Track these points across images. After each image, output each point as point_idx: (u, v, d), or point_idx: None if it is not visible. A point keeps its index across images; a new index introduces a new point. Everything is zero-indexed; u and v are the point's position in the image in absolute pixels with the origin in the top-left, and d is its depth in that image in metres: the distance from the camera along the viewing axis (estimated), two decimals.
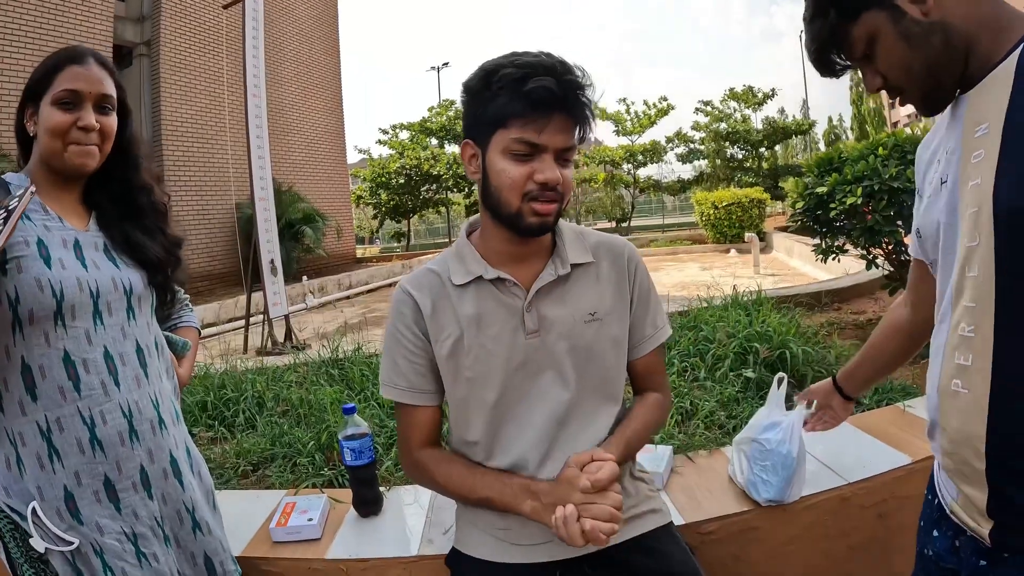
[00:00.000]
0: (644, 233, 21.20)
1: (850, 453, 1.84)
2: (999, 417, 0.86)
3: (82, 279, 1.22)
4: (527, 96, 1.08)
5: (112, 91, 1.29)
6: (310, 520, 1.59)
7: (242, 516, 1.72)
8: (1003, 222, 0.83)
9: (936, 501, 1.05)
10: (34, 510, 1.16)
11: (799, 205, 3.73)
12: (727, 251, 14.96)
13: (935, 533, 1.04)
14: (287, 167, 14.95)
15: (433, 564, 1.43)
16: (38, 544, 1.16)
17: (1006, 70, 0.85)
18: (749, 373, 2.68)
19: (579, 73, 1.13)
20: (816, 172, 3.71)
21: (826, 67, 1.03)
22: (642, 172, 24.34)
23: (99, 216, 1.34)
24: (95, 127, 1.24)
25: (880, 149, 3.47)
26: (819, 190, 3.51)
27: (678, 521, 1.56)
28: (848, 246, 3.79)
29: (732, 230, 15.86)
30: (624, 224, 23.79)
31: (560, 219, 1.26)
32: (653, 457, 1.81)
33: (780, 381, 1.67)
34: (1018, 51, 0.85)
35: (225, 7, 7.55)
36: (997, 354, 0.85)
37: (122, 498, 1.23)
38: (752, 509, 1.61)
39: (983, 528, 0.91)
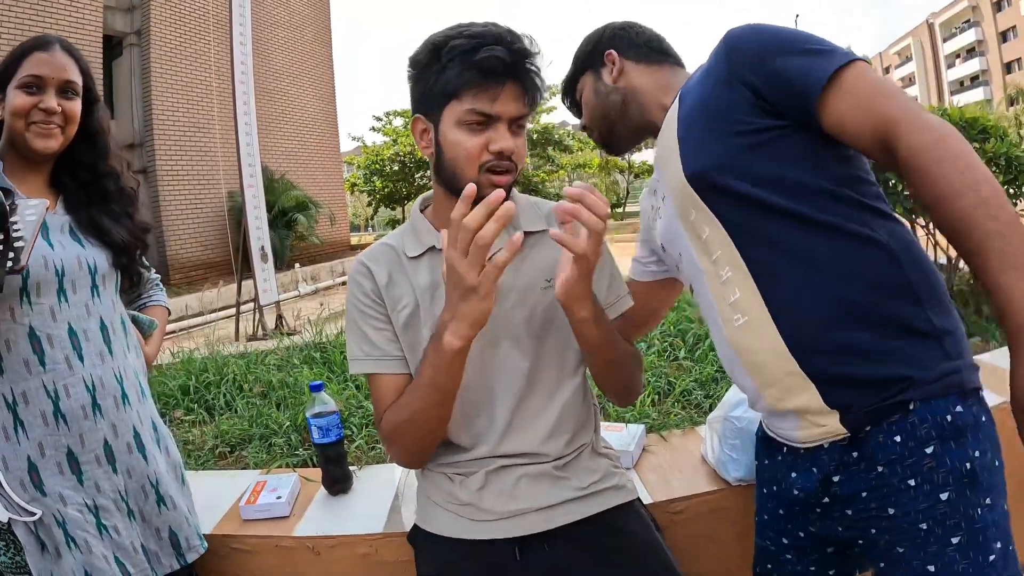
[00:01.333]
0: (639, 219, 21.20)
1: None
2: (783, 316, 1.03)
3: (48, 257, 1.24)
4: (478, 66, 1.07)
5: (76, 77, 1.31)
6: (279, 498, 1.60)
7: (216, 495, 1.72)
8: (697, 187, 1.07)
9: (779, 458, 1.18)
10: None
11: None
12: None
13: (793, 475, 1.14)
14: (280, 155, 14.91)
15: (398, 541, 1.44)
16: (1, 515, 1.17)
17: (674, 108, 1.17)
18: None
19: (528, 41, 1.12)
20: None
21: (570, 106, 1.41)
22: (636, 157, 24.32)
23: (66, 199, 1.35)
24: (56, 110, 1.27)
25: None
26: None
27: (647, 499, 1.55)
28: None
29: None
30: (619, 209, 23.79)
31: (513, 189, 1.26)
32: (623, 435, 1.80)
33: None
34: (677, 97, 1.17)
35: None
36: (755, 275, 1.05)
37: (84, 470, 1.25)
38: (722, 488, 1.60)
39: (834, 423, 1.02)
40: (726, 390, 2.32)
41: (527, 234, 1.23)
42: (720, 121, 1.06)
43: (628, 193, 24.77)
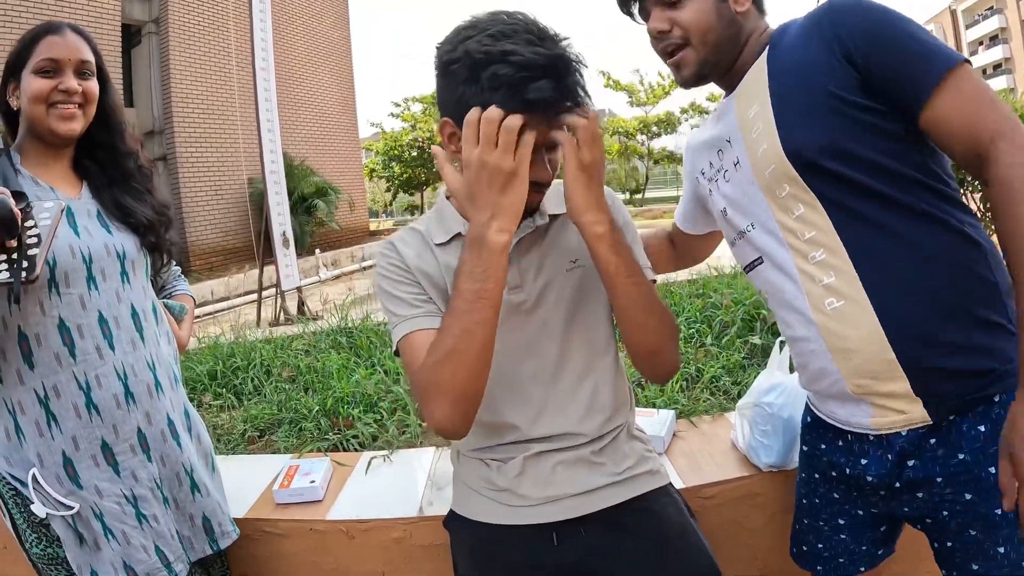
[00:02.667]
0: (659, 204, 21.03)
1: None
2: (884, 304, 1.02)
3: (74, 246, 1.23)
4: (526, 102, 1.01)
5: (90, 57, 1.31)
6: (312, 482, 1.61)
7: (247, 480, 1.74)
8: (797, 164, 1.04)
9: (840, 444, 1.18)
10: (34, 477, 1.19)
11: None
12: None
13: (864, 462, 1.14)
14: (299, 141, 14.95)
15: (433, 525, 1.45)
16: (39, 510, 1.19)
17: (759, 67, 1.13)
18: (756, 339, 2.66)
19: (580, 70, 1.05)
20: None
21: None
22: (656, 143, 24.15)
23: (90, 183, 1.35)
24: (77, 89, 1.26)
25: None
26: None
27: (678, 485, 1.55)
28: None
29: None
30: (638, 196, 23.65)
31: None
32: (655, 421, 1.80)
33: (783, 344, 1.63)
34: (765, 52, 1.13)
35: None
36: (856, 260, 1.03)
37: (120, 461, 1.26)
38: (753, 474, 1.60)
39: (919, 411, 1.04)
40: (754, 377, 2.31)
41: (552, 217, 1.22)
42: (820, 95, 1.03)
43: (648, 179, 24.59)
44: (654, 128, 23.21)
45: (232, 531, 1.42)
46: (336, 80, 17.32)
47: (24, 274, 1.05)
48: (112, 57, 11.18)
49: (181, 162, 12.64)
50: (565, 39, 1.06)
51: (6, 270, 1.05)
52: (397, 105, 24.55)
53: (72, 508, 1.20)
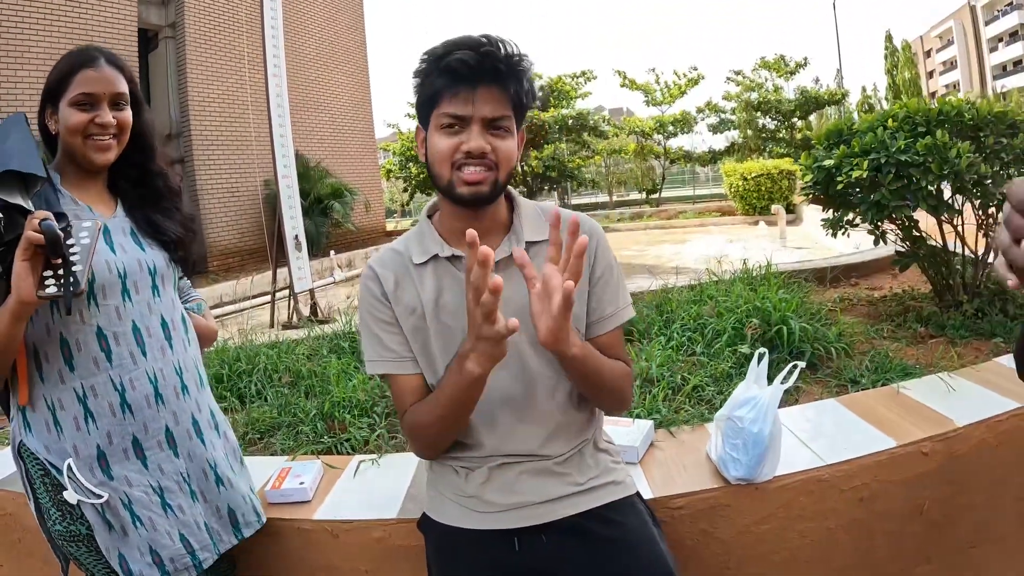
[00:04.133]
0: (674, 204, 20.96)
1: (832, 434, 1.84)
2: None
3: (111, 262, 1.35)
4: (447, 69, 1.14)
5: (124, 88, 1.40)
6: (301, 483, 1.71)
7: None
8: None
9: None
10: (69, 467, 1.30)
11: (807, 178, 3.69)
12: (756, 223, 14.78)
13: None
14: (315, 143, 15.10)
15: (409, 527, 1.53)
16: (71, 497, 1.30)
17: None
18: (744, 349, 2.71)
19: (501, 46, 1.16)
20: (825, 144, 3.66)
21: None
22: (672, 143, 24.06)
23: (124, 202, 1.46)
24: (112, 123, 1.36)
25: (890, 121, 3.39)
26: (826, 163, 3.46)
27: (648, 494, 1.59)
28: (858, 220, 3.73)
29: (761, 202, 15.66)
30: (654, 196, 23.57)
31: (517, 196, 1.33)
32: (631, 431, 1.84)
33: (760, 357, 1.67)
34: None
35: None
36: None
37: (148, 455, 1.37)
38: (722, 487, 1.63)
39: None
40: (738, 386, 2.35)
41: (529, 244, 1.28)
42: None
43: (664, 179, 24.51)
44: (670, 127, 23.12)
45: (255, 521, 1.54)
46: (352, 82, 17.45)
47: (72, 287, 1.17)
48: (130, 62, 11.35)
49: (198, 164, 12.82)
50: (512, 42, 1.18)
51: (54, 284, 1.17)
52: (413, 105, 24.62)
53: (101, 497, 1.31)
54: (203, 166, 12.92)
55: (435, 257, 1.28)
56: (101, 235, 1.33)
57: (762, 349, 1.70)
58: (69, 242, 1.20)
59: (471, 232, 0.98)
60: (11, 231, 1.19)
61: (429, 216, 1.35)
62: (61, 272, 1.17)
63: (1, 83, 9.21)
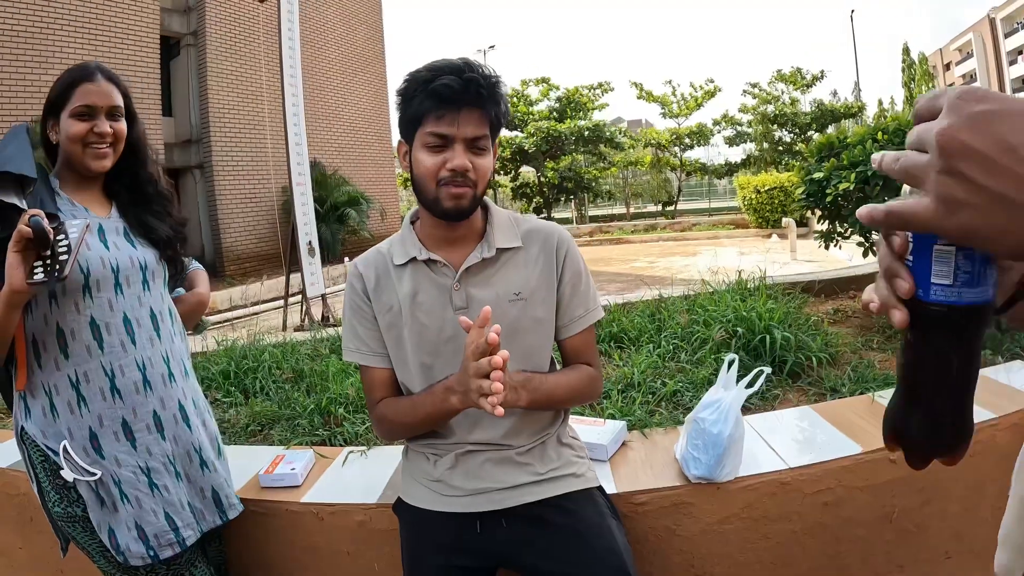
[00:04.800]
0: (690, 216, 20.98)
1: (800, 438, 1.89)
2: None
3: (105, 258, 1.49)
4: (433, 93, 1.26)
5: (120, 101, 1.55)
6: (292, 469, 1.84)
7: (243, 466, 1.97)
8: None
9: None
10: (65, 447, 1.44)
11: (799, 192, 3.78)
12: (768, 236, 14.80)
13: None
14: (332, 151, 15.32)
15: (389, 512, 1.64)
16: (67, 475, 1.43)
17: None
18: (731, 356, 2.78)
19: (481, 72, 1.29)
20: (816, 157, 3.74)
21: None
22: (689, 155, 24.11)
23: (118, 204, 1.61)
24: (109, 132, 1.51)
25: (880, 134, 3.46)
26: (816, 176, 3.55)
27: (611, 489, 1.66)
28: (849, 232, 3.81)
29: (774, 215, 15.68)
30: (670, 208, 23.61)
31: (492, 205, 1.45)
32: (602, 430, 1.92)
33: (731, 363, 1.76)
34: None
35: (260, 1, 7.87)
36: None
37: (137, 437, 1.50)
38: (683, 485, 1.69)
39: None
40: None
41: (500, 251, 1.41)
42: None
43: (680, 191, 24.55)
44: (686, 139, 23.21)
45: (237, 504, 1.67)
46: (370, 91, 17.69)
47: (56, 274, 1.30)
48: (151, 68, 11.62)
49: (217, 170, 13.07)
50: (490, 68, 1.31)
51: (41, 272, 1.31)
52: None
53: (95, 475, 1.45)
54: (221, 171, 13.16)
55: (413, 260, 1.41)
56: (95, 233, 1.48)
57: (732, 355, 1.78)
58: (59, 237, 1.33)
59: (493, 337, 1.17)
60: (6, 228, 1.33)
61: (412, 222, 1.47)
62: (49, 263, 1.31)
63: (26, 87, 9.49)
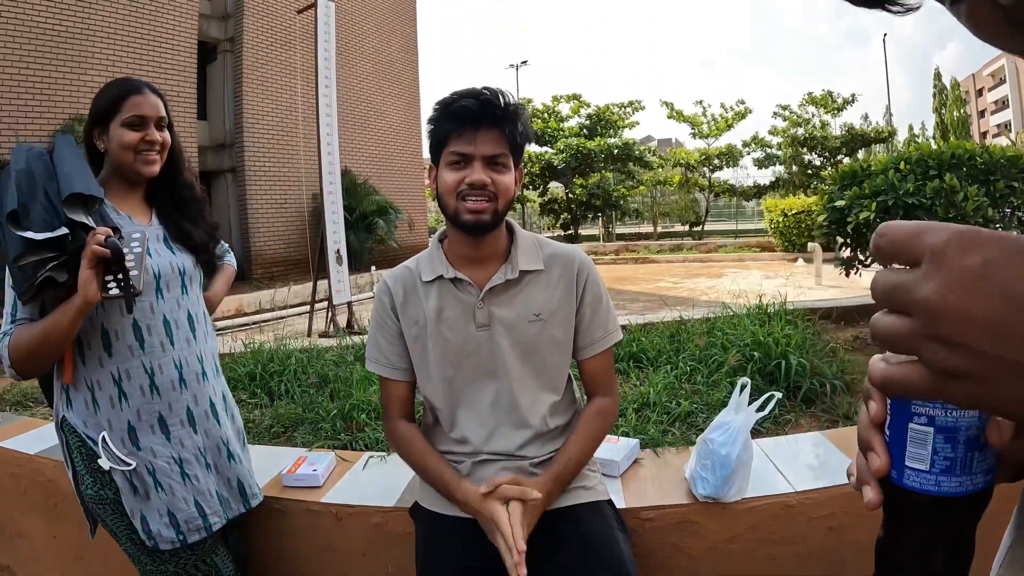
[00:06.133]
0: (716, 238, 20.86)
1: (808, 464, 1.91)
2: None
3: (147, 264, 1.58)
4: (454, 114, 1.37)
5: (164, 113, 1.66)
6: (314, 471, 1.92)
7: (266, 465, 2.06)
8: None
9: None
10: (104, 438, 1.53)
11: (821, 218, 3.81)
12: (795, 260, 14.68)
13: None
14: (363, 160, 15.51)
15: (404, 515, 1.71)
16: (104, 464, 1.53)
17: None
18: (744, 379, 2.81)
19: (500, 96, 1.39)
20: (839, 185, 3.78)
21: None
22: (718, 176, 24.03)
23: (158, 211, 1.71)
24: (158, 141, 1.62)
25: (903, 164, 3.49)
26: (838, 204, 3.59)
27: (621, 504, 1.71)
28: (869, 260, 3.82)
29: (801, 239, 15.51)
30: (697, 228, 23.52)
31: (517, 228, 1.52)
32: (617, 447, 1.98)
33: (743, 387, 1.79)
34: None
35: (299, 12, 8.06)
36: None
37: (171, 431, 1.60)
38: (691, 503, 1.73)
39: None
40: None
41: (524, 272, 1.48)
42: None
43: (708, 212, 24.46)
44: (716, 160, 23.14)
45: (259, 494, 1.76)
46: (402, 103, 17.89)
47: (132, 290, 1.42)
48: (188, 72, 11.86)
49: (249, 175, 13.28)
50: (509, 92, 1.41)
51: (116, 288, 1.42)
52: None
53: (130, 465, 1.54)
54: (253, 176, 13.39)
55: (440, 277, 1.49)
56: (110, 214, 1.57)
57: (744, 379, 1.82)
58: (124, 251, 1.44)
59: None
60: (75, 242, 1.44)
61: (440, 241, 1.55)
62: (120, 277, 1.43)
63: (65, 86, 9.73)
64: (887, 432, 0.44)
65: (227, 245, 2.01)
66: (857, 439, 0.47)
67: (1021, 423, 0.39)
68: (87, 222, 1.47)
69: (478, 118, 1.36)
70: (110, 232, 1.42)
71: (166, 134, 1.65)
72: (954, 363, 0.35)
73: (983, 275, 0.34)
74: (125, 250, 1.44)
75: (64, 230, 1.43)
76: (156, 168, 1.63)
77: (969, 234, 0.35)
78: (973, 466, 0.41)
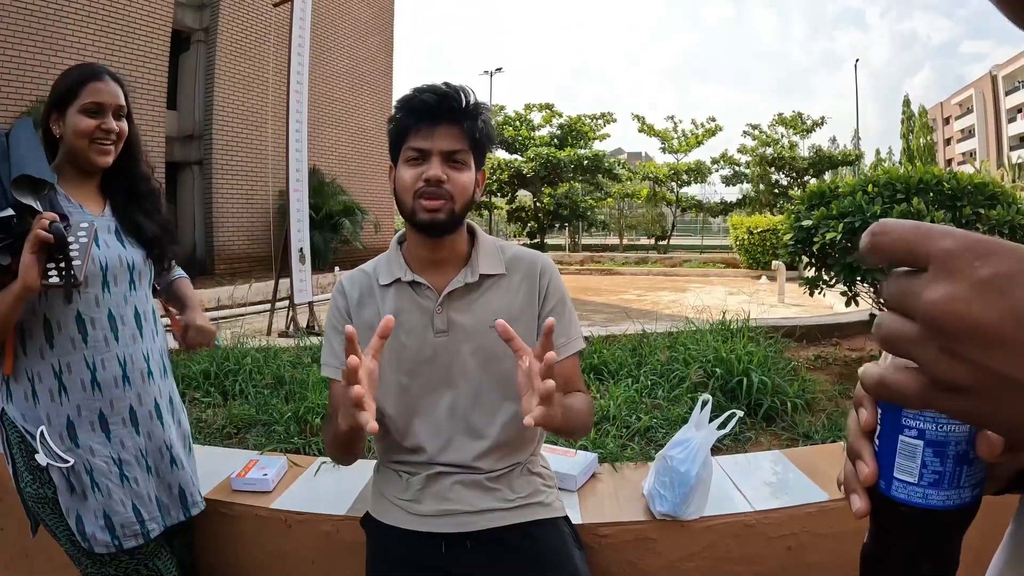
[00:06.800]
0: (682, 252, 21.11)
1: (767, 481, 1.91)
2: None
3: (95, 256, 1.53)
4: (412, 109, 1.33)
5: (124, 102, 1.60)
6: (265, 475, 1.86)
7: (216, 468, 2.00)
8: None
9: None
10: (42, 433, 1.47)
11: (787, 237, 3.86)
12: (758, 277, 14.89)
13: None
14: (333, 159, 15.36)
15: (355, 524, 1.65)
16: (41, 459, 1.46)
17: None
18: (705, 396, 2.83)
19: (460, 91, 1.35)
20: (806, 204, 3.83)
21: None
22: (686, 191, 24.34)
23: (112, 203, 1.65)
24: (115, 129, 1.56)
25: (870, 186, 3.56)
26: (805, 223, 3.63)
27: (577, 520, 1.69)
28: (834, 280, 3.88)
29: (766, 256, 15.78)
30: (663, 242, 23.76)
31: (479, 231, 1.48)
32: (572, 461, 1.95)
33: (704, 403, 1.78)
34: None
35: (275, 5, 7.95)
36: None
37: (112, 430, 1.54)
38: (648, 520, 1.71)
39: None
40: None
41: (484, 276, 1.44)
42: None
43: (674, 226, 24.74)
44: (684, 176, 23.43)
45: (200, 502, 1.69)
46: (375, 103, 17.76)
47: (72, 279, 1.37)
48: (160, 60, 11.65)
49: (216, 168, 13.06)
50: (470, 89, 1.37)
51: (56, 276, 1.37)
52: None
53: (68, 462, 1.48)
54: (220, 170, 13.17)
55: (398, 281, 1.44)
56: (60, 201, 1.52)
57: (706, 396, 1.81)
58: (69, 239, 1.39)
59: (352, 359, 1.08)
60: (20, 227, 1.38)
61: (399, 243, 1.51)
62: (63, 265, 1.37)
63: (34, 67, 9.48)
64: (876, 441, 0.44)
65: (179, 270, 1.93)
66: (846, 447, 0.46)
67: (1013, 440, 0.39)
68: (35, 206, 1.41)
69: (436, 113, 1.32)
70: (56, 218, 1.37)
71: (124, 124, 1.60)
72: (953, 375, 0.34)
73: (996, 288, 0.32)
74: (70, 238, 1.39)
75: (10, 211, 1.37)
76: (110, 159, 1.58)
77: (983, 242, 0.33)
78: (962, 480, 0.42)
